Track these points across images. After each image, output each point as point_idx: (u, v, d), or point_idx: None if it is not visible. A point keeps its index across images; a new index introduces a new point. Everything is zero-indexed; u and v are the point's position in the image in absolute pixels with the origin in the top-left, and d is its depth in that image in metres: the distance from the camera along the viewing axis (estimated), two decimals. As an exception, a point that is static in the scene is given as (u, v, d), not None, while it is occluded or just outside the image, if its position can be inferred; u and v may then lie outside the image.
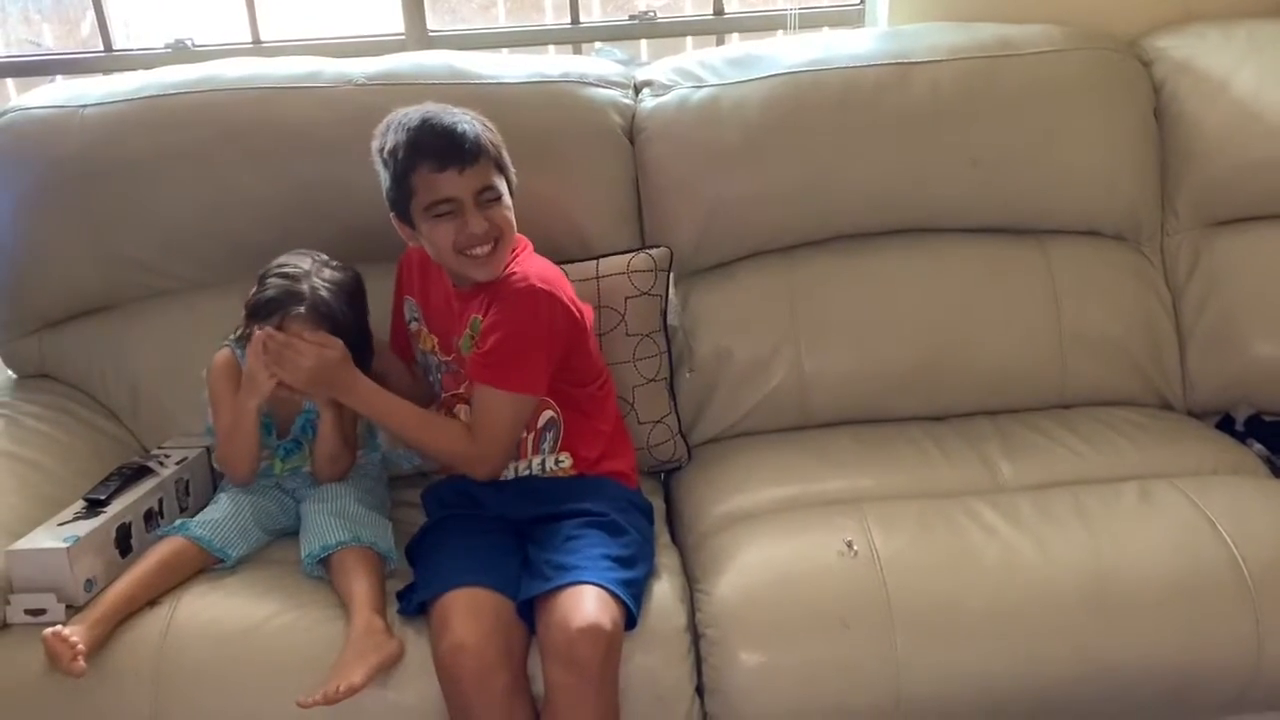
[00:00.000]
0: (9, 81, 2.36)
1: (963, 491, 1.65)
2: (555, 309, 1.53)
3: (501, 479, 1.60)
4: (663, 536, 1.65)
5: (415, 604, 1.44)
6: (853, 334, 1.89)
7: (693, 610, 1.50)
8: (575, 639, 1.33)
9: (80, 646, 1.35)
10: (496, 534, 1.52)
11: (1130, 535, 1.52)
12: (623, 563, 1.46)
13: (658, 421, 1.80)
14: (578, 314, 1.58)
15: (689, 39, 2.36)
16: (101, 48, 2.25)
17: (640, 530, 1.56)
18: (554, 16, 2.46)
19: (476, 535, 1.52)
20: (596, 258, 1.80)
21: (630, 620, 1.41)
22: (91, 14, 2.25)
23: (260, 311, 1.56)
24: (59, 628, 1.37)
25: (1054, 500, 1.60)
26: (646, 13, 2.26)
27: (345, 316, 1.59)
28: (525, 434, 1.60)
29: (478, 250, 1.52)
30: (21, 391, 1.86)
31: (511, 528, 1.54)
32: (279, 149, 1.81)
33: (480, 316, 1.55)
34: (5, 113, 1.87)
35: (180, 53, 2.21)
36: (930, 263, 1.91)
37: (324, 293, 1.57)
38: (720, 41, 2.31)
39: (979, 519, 1.56)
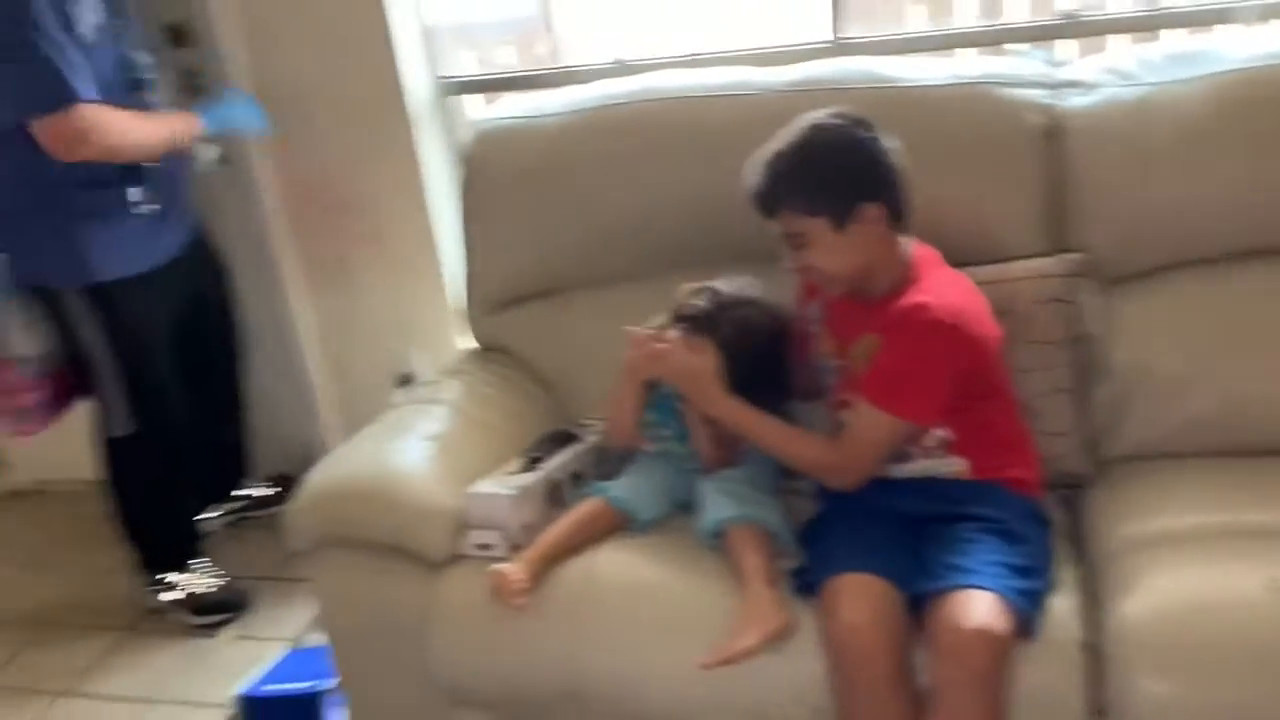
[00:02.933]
0: (472, 97, 2.73)
1: None
2: (960, 345, 1.52)
3: (893, 477, 1.63)
4: (1065, 551, 1.59)
5: (807, 583, 1.50)
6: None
7: (1093, 628, 1.44)
8: (966, 640, 1.33)
9: (524, 584, 1.55)
10: (889, 526, 1.55)
11: None
12: (1019, 571, 1.43)
13: (1062, 434, 1.73)
14: (983, 344, 1.56)
15: (1108, 38, 2.24)
16: (555, 66, 2.54)
17: (1039, 541, 1.52)
18: (973, 18, 2.42)
19: (870, 525, 1.55)
20: (1005, 260, 1.76)
21: (1024, 630, 1.38)
22: (547, 37, 2.55)
23: (678, 320, 1.72)
24: (506, 565, 1.58)
25: None
26: (1072, 11, 2.18)
27: (739, 354, 1.68)
28: (912, 445, 1.60)
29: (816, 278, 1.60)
30: (481, 361, 2.14)
31: (905, 523, 1.56)
32: (706, 154, 1.93)
33: (876, 336, 1.57)
34: (482, 123, 2.18)
35: (622, 67, 2.45)
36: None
37: (729, 329, 1.69)
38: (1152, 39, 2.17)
39: None
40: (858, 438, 1.57)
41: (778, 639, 1.46)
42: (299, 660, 2.21)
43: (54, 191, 2.16)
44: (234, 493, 2.81)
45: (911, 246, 1.63)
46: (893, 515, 1.57)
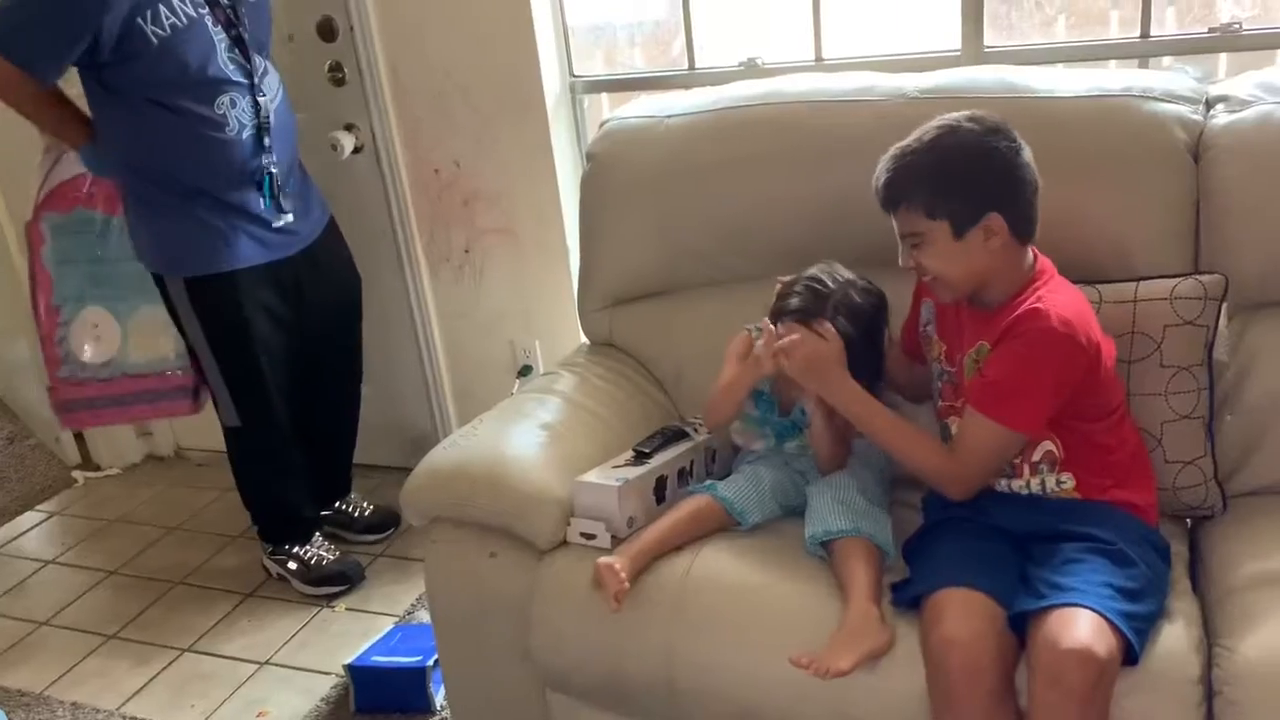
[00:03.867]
0: (603, 97, 2.77)
1: None
2: (1071, 355, 1.48)
3: (1000, 491, 1.59)
4: (1182, 583, 1.53)
5: (910, 596, 1.48)
6: None
7: (1209, 665, 1.38)
8: (1063, 659, 1.29)
9: (625, 585, 1.58)
10: (995, 542, 1.52)
11: None
12: (1127, 594, 1.39)
13: (1188, 463, 1.66)
14: (1095, 356, 1.51)
15: (1277, 54, 2.14)
16: (686, 67, 2.56)
17: (1151, 566, 1.46)
18: (1120, 30, 2.35)
19: (975, 540, 1.52)
20: (1137, 279, 1.70)
21: (1130, 656, 1.34)
22: (681, 37, 2.57)
23: (782, 315, 1.72)
24: (612, 560, 1.60)
25: None
26: (1230, 24, 2.08)
27: (852, 336, 1.68)
28: (1018, 460, 1.57)
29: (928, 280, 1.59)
30: (593, 355, 2.17)
31: (1011, 540, 1.53)
32: (831, 158, 1.92)
33: (989, 344, 1.55)
34: (606, 122, 2.21)
35: (751, 70, 2.45)
36: None
37: (840, 311, 1.70)
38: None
39: None
40: (969, 445, 1.55)
41: (875, 658, 1.45)
42: (408, 635, 2.28)
43: (152, 177, 2.25)
44: (334, 506, 2.82)
45: (1033, 258, 1.59)
46: (999, 532, 1.54)
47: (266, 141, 2.29)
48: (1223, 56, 2.27)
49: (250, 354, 2.41)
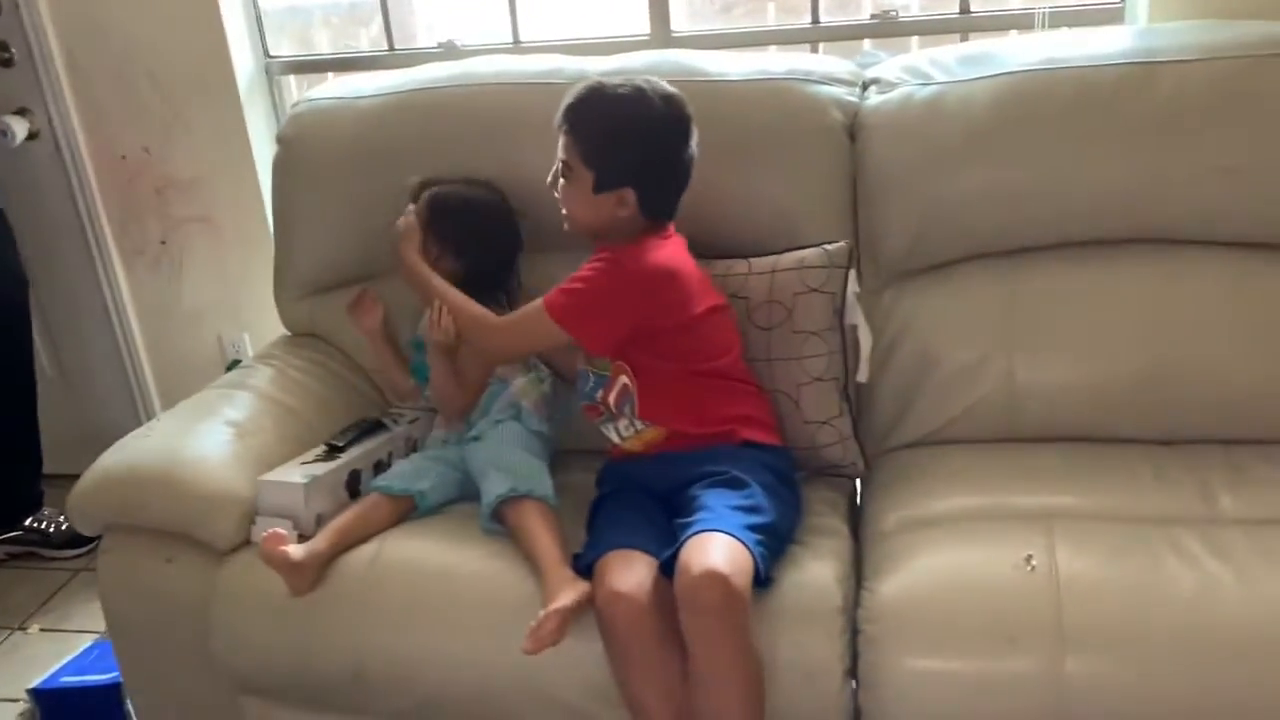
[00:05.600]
0: (292, 79, 2.68)
1: (1170, 519, 1.53)
2: (628, 283, 1.62)
3: (642, 454, 1.68)
4: (834, 525, 1.64)
5: (585, 564, 1.52)
6: (1074, 346, 1.79)
7: (855, 606, 1.50)
8: (696, 583, 1.35)
9: (307, 577, 1.55)
10: (647, 504, 1.61)
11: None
12: (745, 510, 1.49)
13: (824, 422, 1.76)
14: (654, 293, 1.64)
15: (914, 39, 2.32)
16: (386, 48, 2.52)
17: (763, 484, 1.56)
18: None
19: (631, 507, 1.60)
20: (777, 253, 1.81)
21: (760, 565, 1.42)
22: (379, 19, 2.52)
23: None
24: (294, 548, 1.55)
25: (1276, 538, 1.46)
26: (888, 11, 2.25)
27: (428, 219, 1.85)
28: (605, 393, 1.68)
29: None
30: (292, 347, 2.10)
31: (658, 499, 1.62)
32: (517, 139, 1.92)
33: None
34: (297, 104, 2.14)
35: (449, 51, 2.44)
36: (1167, 276, 1.78)
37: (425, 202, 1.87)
38: (964, 40, 2.25)
39: (1181, 548, 1.45)
40: (518, 320, 1.71)
41: (584, 608, 1.45)
42: (106, 651, 2.14)
43: None
44: (24, 524, 2.64)
45: (663, 232, 1.70)
46: (648, 494, 1.63)
47: None
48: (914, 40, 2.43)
49: None
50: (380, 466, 1.81)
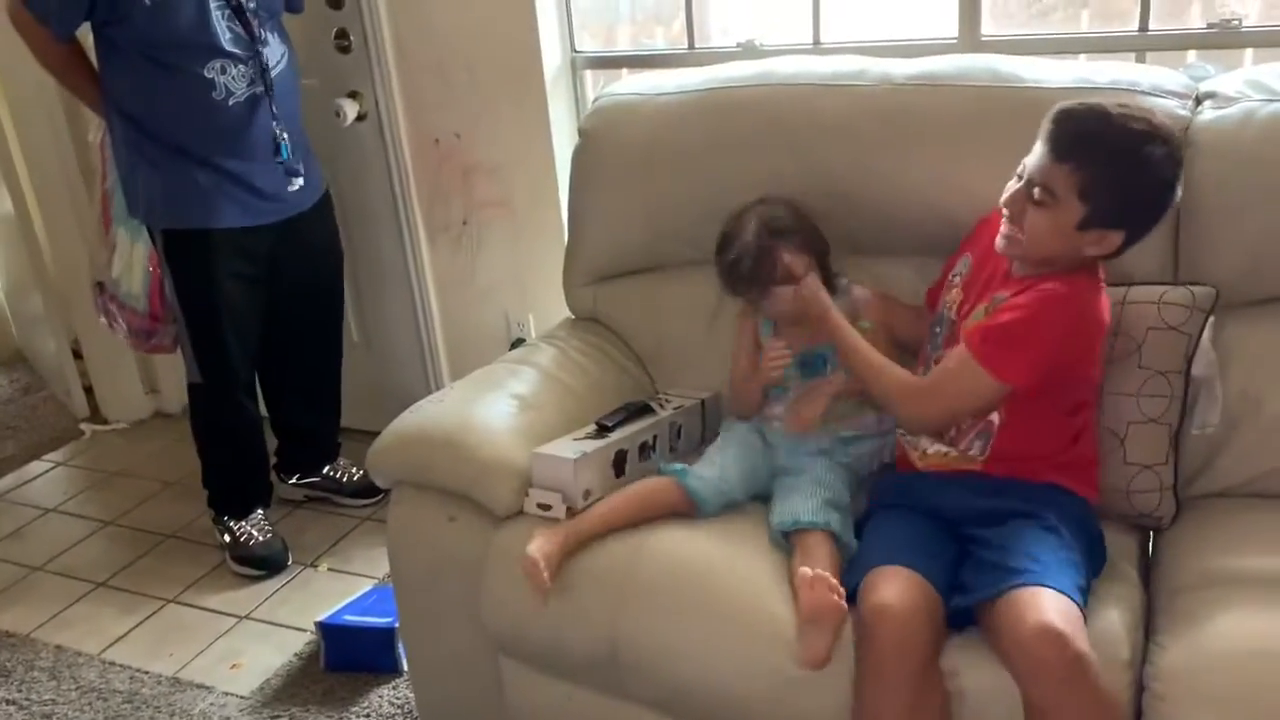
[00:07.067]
0: (589, 74, 2.76)
1: None
2: (1078, 323, 1.49)
3: (939, 473, 1.59)
4: (1126, 571, 1.53)
5: (851, 585, 1.46)
6: None
7: (1143, 662, 1.38)
8: (1034, 640, 1.27)
9: (548, 584, 1.57)
10: (928, 528, 1.52)
11: None
12: (1074, 566, 1.39)
13: (1147, 467, 1.63)
14: (1098, 328, 1.52)
15: (1248, 52, 2.09)
16: (686, 46, 2.56)
17: (1073, 534, 1.46)
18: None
19: (912, 526, 1.53)
20: (1129, 284, 1.68)
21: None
22: (682, 15, 2.57)
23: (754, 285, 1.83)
24: (537, 555, 1.57)
25: None
26: (1228, 20, 2.05)
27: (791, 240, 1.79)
28: (965, 425, 1.57)
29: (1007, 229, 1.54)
30: (574, 330, 2.18)
31: (947, 525, 1.53)
32: (814, 140, 1.91)
33: (1006, 295, 1.54)
34: (600, 97, 2.22)
35: (749, 51, 2.44)
36: None
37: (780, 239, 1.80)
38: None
39: None
40: (943, 380, 1.55)
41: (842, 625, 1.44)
42: (383, 597, 2.31)
43: (144, 129, 2.29)
44: (322, 472, 2.86)
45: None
46: (933, 516, 1.54)
47: (275, 109, 2.32)
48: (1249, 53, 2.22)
49: (215, 314, 2.44)
50: (645, 449, 1.84)
